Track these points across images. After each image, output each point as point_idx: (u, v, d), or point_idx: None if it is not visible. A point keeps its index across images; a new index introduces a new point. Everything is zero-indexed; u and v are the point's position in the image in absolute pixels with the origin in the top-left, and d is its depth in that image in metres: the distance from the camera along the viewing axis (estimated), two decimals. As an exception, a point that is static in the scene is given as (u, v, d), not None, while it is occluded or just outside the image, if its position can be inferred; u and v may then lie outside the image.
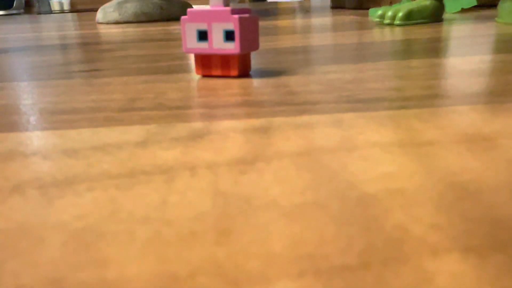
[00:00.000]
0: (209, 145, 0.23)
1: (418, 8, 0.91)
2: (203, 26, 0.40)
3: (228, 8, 0.39)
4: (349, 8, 1.66)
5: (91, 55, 0.63)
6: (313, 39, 0.71)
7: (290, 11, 1.68)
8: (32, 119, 0.29)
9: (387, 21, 0.91)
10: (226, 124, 0.26)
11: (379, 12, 0.96)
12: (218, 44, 0.39)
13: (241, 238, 0.14)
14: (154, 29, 1.08)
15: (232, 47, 0.39)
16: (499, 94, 0.31)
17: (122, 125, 0.27)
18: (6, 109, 0.32)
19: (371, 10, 1.20)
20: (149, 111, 0.30)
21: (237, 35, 0.39)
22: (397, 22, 0.90)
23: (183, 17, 0.40)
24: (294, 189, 0.17)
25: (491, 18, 0.97)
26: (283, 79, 0.39)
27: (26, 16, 2.46)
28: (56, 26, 1.39)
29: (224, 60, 0.41)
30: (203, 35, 0.40)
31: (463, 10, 1.26)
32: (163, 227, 0.15)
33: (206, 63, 0.41)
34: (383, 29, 0.84)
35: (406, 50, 0.54)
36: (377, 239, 0.14)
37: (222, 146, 0.22)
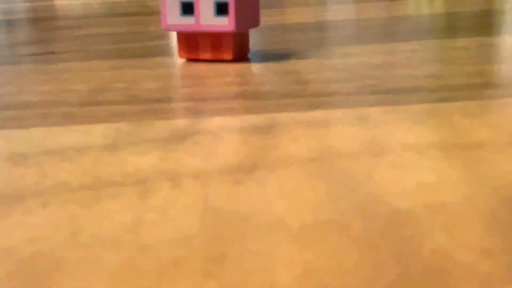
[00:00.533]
0: (196, 148, 0.23)
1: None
2: (188, -3, 0.40)
3: (220, -27, 0.39)
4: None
5: (45, 34, 0.63)
6: (330, 13, 0.71)
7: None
8: (-31, 115, 0.29)
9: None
10: (217, 121, 0.26)
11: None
12: (207, 19, 0.40)
13: (237, 267, 0.14)
14: (127, 0, 1.09)
15: (225, 23, 0.39)
16: None
17: (85, 123, 0.27)
18: None
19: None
20: (119, 105, 0.30)
21: (231, 8, 0.39)
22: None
23: (162, -15, 0.40)
24: (305, 204, 0.17)
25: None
26: (291, 64, 0.39)
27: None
28: (-1, -3, 1.39)
29: (215, 39, 0.41)
30: (188, 8, 0.40)
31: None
32: (137, 253, 0.15)
33: (192, 43, 0.41)
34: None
35: (450, 27, 0.54)
36: (412, 268, 0.14)
37: (213, 150, 0.22)
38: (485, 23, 0.55)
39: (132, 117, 0.28)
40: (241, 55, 0.42)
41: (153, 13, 0.81)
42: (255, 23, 0.43)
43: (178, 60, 0.43)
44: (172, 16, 0.40)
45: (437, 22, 0.58)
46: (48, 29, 0.67)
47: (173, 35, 0.57)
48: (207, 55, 0.41)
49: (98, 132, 0.26)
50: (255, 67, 0.39)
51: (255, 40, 0.51)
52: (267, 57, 0.43)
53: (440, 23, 0.57)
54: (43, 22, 0.75)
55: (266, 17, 0.69)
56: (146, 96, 0.32)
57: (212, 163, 0.21)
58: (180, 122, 0.27)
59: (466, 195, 0.17)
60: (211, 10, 0.39)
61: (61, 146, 0.24)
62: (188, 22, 0.40)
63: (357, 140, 0.23)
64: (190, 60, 0.42)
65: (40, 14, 0.87)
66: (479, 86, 0.31)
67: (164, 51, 0.47)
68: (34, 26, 0.71)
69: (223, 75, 0.37)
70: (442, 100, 0.28)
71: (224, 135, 0.24)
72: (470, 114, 0.26)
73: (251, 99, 0.30)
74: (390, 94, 0.30)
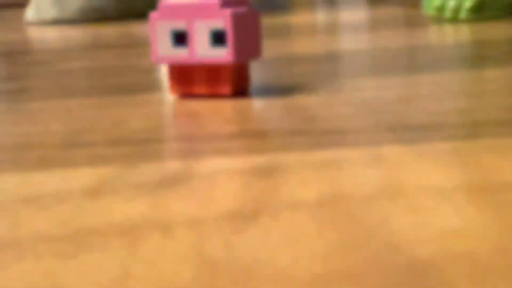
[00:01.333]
0: (189, 194, 0.23)
1: (493, -5, 0.92)
2: (180, 25, 0.41)
3: (216, -1, 0.40)
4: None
5: (18, 69, 0.64)
6: (342, 42, 0.72)
7: (307, 3, 1.71)
8: None
9: (448, 15, 0.93)
10: (214, 163, 0.27)
11: (437, 3, 0.98)
12: (202, 50, 0.41)
13: (237, 324, 0.14)
14: (110, 30, 1.11)
15: (222, 54, 0.40)
16: None
17: (64, 167, 0.28)
18: None
19: (425, 1, 1.23)
20: (103, 147, 0.31)
21: (229, 37, 0.40)
22: (462, 16, 0.92)
23: (152, 14, 0.41)
24: (313, 254, 0.17)
25: None
26: (297, 99, 0.40)
27: None
28: (-34, 28, 1.42)
29: (212, 72, 0.42)
30: (180, 38, 0.41)
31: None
32: (124, 310, 0.15)
33: (185, 77, 0.42)
34: (442, 26, 0.86)
35: (477, 57, 0.55)
36: (434, 322, 0.14)
37: (209, 195, 0.23)
38: (517, 52, 0.56)
39: (117, 160, 0.28)
40: (241, 90, 0.43)
41: (141, 44, 0.82)
42: (256, 53, 0.44)
43: (170, 96, 0.43)
44: (163, 47, 0.41)
45: (463, 51, 0.59)
46: (21, 63, 0.68)
47: (164, 69, 0.58)
48: (203, 90, 0.42)
49: (79, 178, 0.26)
50: (257, 103, 0.39)
51: (257, 72, 0.52)
52: (270, 91, 0.43)
53: (466, 52, 0.58)
54: (16, 55, 0.77)
55: (270, 48, 0.70)
56: (132, 137, 0.32)
57: (208, 210, 0.21)
58: (172, 165, 0.27)
59: (496, 244, 0.18)
60: (206, 39, 0.40)
61: (38, 193, 0.24)
62: (181, 53, 0.41)
63: (372, 183, 0.23)
64: (183, 95, 0.43)
65: (12, 46, 0.89)
66: (510, 122, 0.31)
67: (154, 87, 0.48)
68: (6, 60, 0.72)
69: (221, 111, 0.37)
70: (468, 137, 0.29)
71: (221, 178, 0.25)
72: (500, 153, 0.26)
73: (252, 138, 0.31)
74: (409, 131, 0.30)
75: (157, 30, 0.41)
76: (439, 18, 0.99)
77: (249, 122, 0.34)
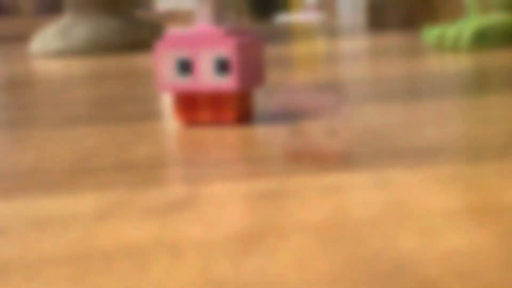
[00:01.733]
0: (196, 217, 0.23)
1: (493, 25, 0.94)
2: (185, 54, 0.42)
3: (220, 29, 0.41)
4: (392, 27, 1.71)
5: (24, 98, 0.65)
6: (344, 71, 0.73)
7: (308, 33, 1.73)
8: None
9: (449, 43, 0.94)
10: (220, 187, 0.27)
11: (437, 31, 0.99)
12: (207, 78, 0.41)
13: None
14: (114, 61, 1.12)
15: (226, 82, 0.41)
16: None
17: (72, 192, 0.28)
18: None
19: (426, 29, 1.24)
20: (110, 172, 0.31)
21: (234, 65, 0.40)
22: (463, 44, 0.93)
23: (158, 43, 0.42)
24: (320, 274, 0.18)
25: None
26: (301, 125, 0.40)
27: None
28: (-28, 60, 1.43)
29: (216, 100, 0.42)
30: (185, 66, 0.42)
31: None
32: (134, 329, 0.15)
33: (190, 104, 0.43)
34: (443, 54, 0.86)
35: (479, 84, 0.56)
36: None
37: (216, 218, 0.23)
38: (518, 79, 0.57)
39: (124, 185, 0.28)
40: (245, 117, 0.43)
41: (145, 73, 0.83)
42: (260, 81, 0.44)
43: (175, 123, 0.44)
44: (169, 75, 0.42)
45: (464, 79, 0.60)
46: (27, 93, 0.69)
47: (169, 96, 0.58)
48: (207, 117, 0.42)
49: (87, 202, 0.26)
50: (261, 129, 0.40)
51: (261, 100, 0.53)
52: (274, 118, 0.44)
53: (468, 80, 0.59)
54: (22, 86, 0.77)
55: (273, 75, 0.71)
56: (140, 162, 0.33)
57: (215, 233, 0.22)
58: (178, 190, 0.27)
59: (500, 263, 0.18)
60: (211, 68, 0.41)
61: (46, 217, 0.24)
62: (186, 81, 0.42)
63: (376, 205, 0.23)
64: (188, 123, 0.43)
65: (18, 78, 0.90)
66: (511, 147, 0.32)
67: (159, 115, 0.48)
68: (12, 91, 0.73)
69: (225, 138, 0.38)
70: (471, 161, 0.29)
71: (227, 202, 0.25)
72: (503, 176, 0.26)
73: (256, 163, 0.31)
74: (413, 156, 0.31)
75: (163, 58, 0.42)
76: (439, 46, 1.00)
77: (253, 148, 0.34)
